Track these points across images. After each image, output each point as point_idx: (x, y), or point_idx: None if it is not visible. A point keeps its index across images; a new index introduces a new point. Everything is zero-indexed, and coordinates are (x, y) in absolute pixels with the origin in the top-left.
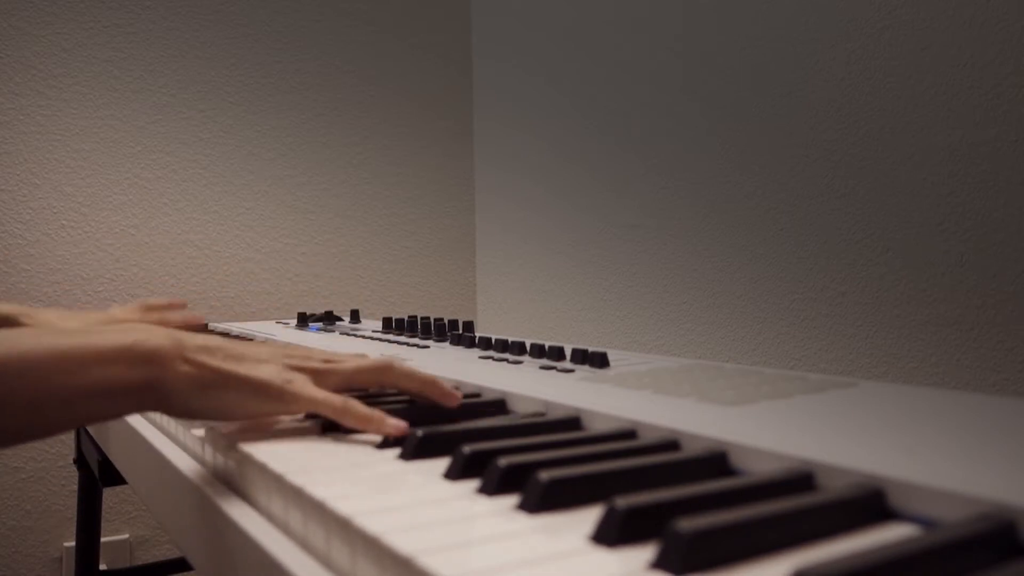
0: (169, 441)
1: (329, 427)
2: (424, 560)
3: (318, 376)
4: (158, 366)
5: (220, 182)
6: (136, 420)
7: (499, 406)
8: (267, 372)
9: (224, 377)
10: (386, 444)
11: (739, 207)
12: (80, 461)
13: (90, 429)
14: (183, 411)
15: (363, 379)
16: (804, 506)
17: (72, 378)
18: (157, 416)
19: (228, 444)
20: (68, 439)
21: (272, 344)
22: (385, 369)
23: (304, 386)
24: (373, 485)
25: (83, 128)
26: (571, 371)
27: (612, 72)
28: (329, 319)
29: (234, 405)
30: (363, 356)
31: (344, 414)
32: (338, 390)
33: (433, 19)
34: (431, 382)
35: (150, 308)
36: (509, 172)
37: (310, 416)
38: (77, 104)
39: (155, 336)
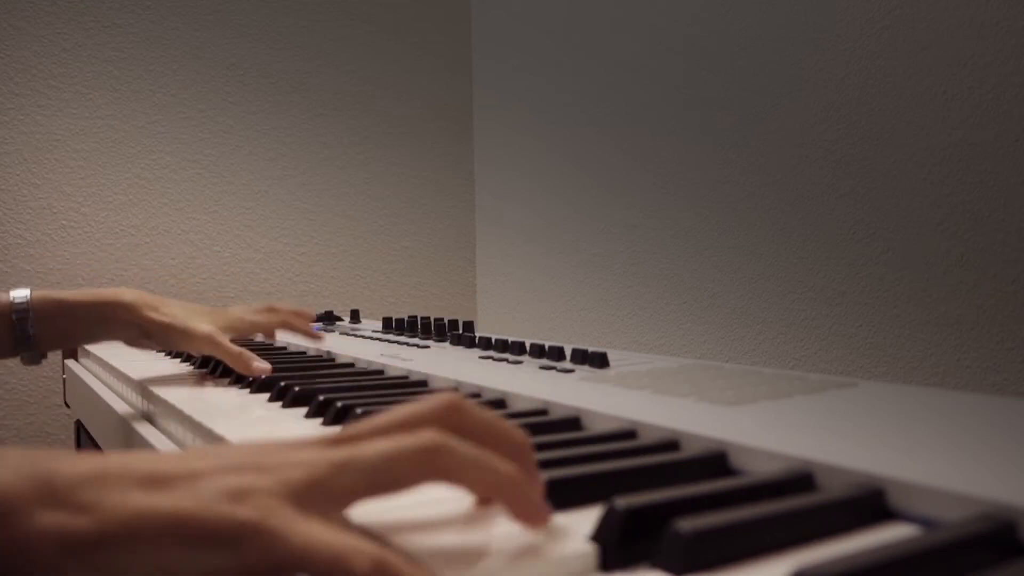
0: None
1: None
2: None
3: (315, 481)
4: None
5: (220, 182)
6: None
7: (499, 405)
8: (216, 503)
9: (127, 523)
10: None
11: (739, 207)
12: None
13: (90, 429)
14: None
15: (405, 470)
16: (804, 506)
17: None
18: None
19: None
20: (68, 439)
21: (240, 447)
22: (435, 450)
23: (286, 518)
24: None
25: (83, 128)
26: (571, 371)
27: (612, 72)
28: (329, 319)
29: (152, 570)
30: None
31: None
32: (363, 495)
33: (433, 19)
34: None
35: (273, 310)
36: (509, 172)
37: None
38: (77, 104)
39: None
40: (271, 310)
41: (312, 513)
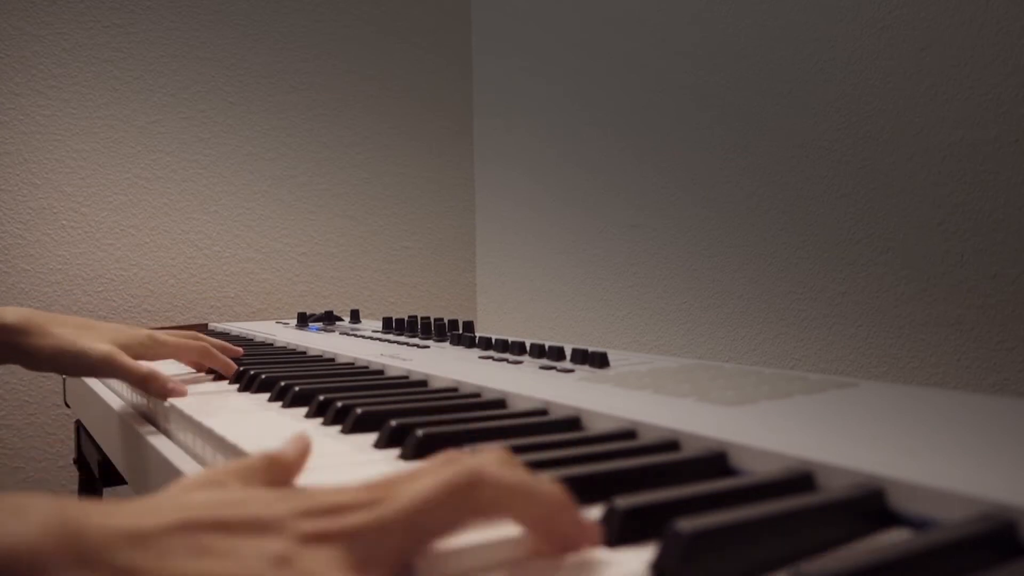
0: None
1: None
2: None
3: (357, 544)
4: None
5: (220, 182)
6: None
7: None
8: (250, 563)
9: None
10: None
11: (739, 207)
12: (80, 461)
13: (90, 429)
14: None
15: (442, 513)
16: (804, 506)
17: None
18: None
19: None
20: (68, 439)
21: (274, 493)
22: (470, 487)
23: None
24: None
25: (83, 128)
26: (571, 371)
27: (612, 72)
28: (329, 319)
29: None
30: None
31: None
32: (402, 556)
33: (433, 19)
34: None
35: (198, 338)
36: (509, 172)
37: None
38: (77, 104)
39: (24, 525)
40: (196, 338)
41: None
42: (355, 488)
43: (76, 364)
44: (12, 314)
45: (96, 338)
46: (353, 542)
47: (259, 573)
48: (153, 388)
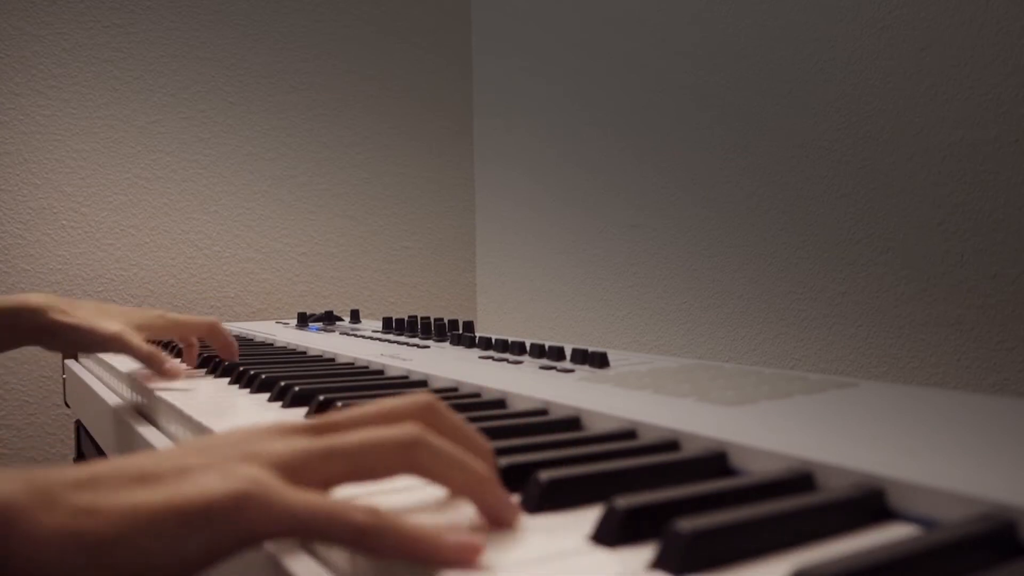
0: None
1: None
2: None
3: (298, 466)
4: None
5: (220, 182)
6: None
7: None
8: (208, 482)
9: (126, 517)
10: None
11: (739, 207)
12: (80, 461)
13: (89, 428)
14: None
15: (384, 459)
16: (804, 506)
17: None
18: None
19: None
20: (68, 439)
21: (231, 435)
22: (415, 444)
23: (278, 485)
24: None
25: (83, 128)
26: (571, 371)
27: (612, 72)
28: (329, 319)
29: (160, 561)
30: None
31: (372, 536)
32: (343, 479)
33: (433, 19)
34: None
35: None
36: (509, 172)
37: None
38: (77, 104)
39: None
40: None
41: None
42: (298, 423)
43: (90, 340)
44: (37, 297)
45: (110, 318)
46: (295, 460)
47: (202, 486)
48: (153, 365)
